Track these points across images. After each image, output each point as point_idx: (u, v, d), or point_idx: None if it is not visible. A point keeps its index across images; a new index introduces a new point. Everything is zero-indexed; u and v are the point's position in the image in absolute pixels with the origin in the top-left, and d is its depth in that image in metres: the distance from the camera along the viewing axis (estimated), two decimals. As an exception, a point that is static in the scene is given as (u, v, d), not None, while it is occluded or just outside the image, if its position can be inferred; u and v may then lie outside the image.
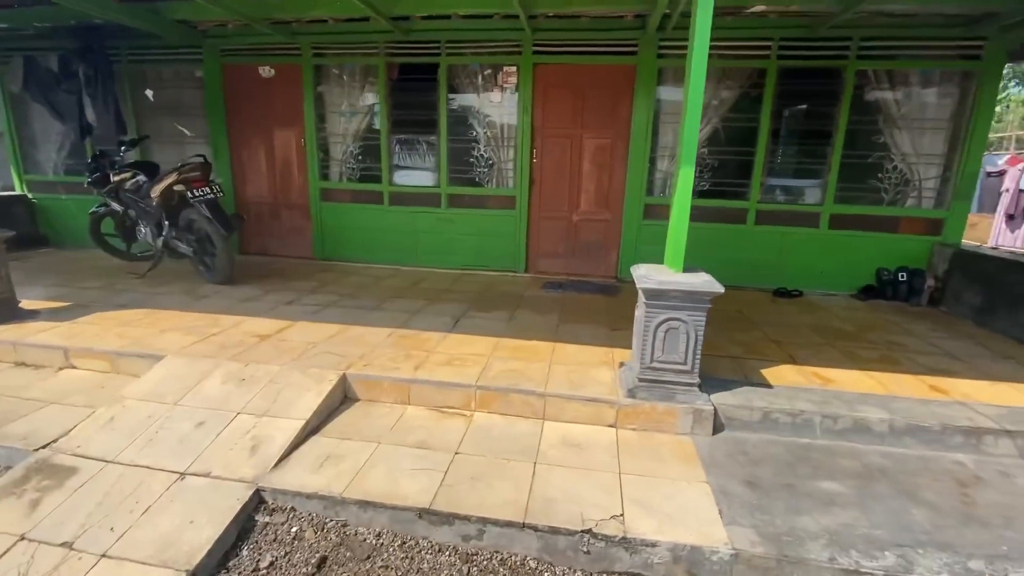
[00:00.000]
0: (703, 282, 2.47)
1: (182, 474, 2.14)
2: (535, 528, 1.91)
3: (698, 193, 5.04)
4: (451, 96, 5.22)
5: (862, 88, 4.62)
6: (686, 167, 2.44)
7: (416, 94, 5.28)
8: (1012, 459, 2.40)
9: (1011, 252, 5.16)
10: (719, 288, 2.45)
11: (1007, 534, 1.90)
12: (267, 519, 2.05)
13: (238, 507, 1.98)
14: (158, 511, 1.95)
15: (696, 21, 2.35)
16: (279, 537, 1.99)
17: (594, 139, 5.11)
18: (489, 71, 5.10)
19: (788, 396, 2.68)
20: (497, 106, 5.16)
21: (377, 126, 5.43)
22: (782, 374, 2.99)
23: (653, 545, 1.84)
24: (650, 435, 2.55)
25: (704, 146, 4.98)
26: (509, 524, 1.92)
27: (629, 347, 3.29)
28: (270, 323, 3.60)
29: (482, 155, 5.31)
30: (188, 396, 2.63)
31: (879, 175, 4.80)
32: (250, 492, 2.06)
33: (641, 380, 2.61)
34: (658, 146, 5.02)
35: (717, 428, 2.57)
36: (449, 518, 1.96)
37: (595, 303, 4.41)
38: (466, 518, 1.95)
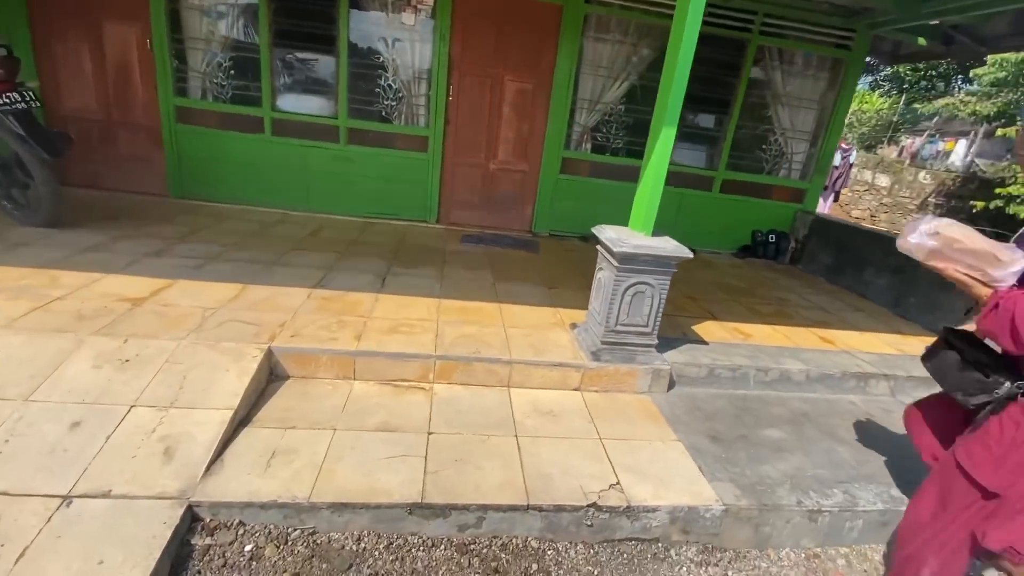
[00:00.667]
0: (674, 247, 2.48)
1: (65, 497, 1.57)
2: (540, 509, 1.80)
3: (612, 150, 5.12)
4: (354, 10, 4.41)
5: (759, 63, 5.01)
6: (668, 128, 2.36)
7: (309, 1, 4.36)
8: (887, 398, 2.95)
9: (856, 221, 6.22)
10: (688, 253, 2.48)
11: (906, 463, 2.32)
12: (208, 541, 1.62)
13: (167, 533, 1.52)
14: (40, 556, 1.41)
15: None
16: (230, 561, 1.59)
17: (515, 82, 4.79)
18: (399, -11, 4.41)
19: (725, 352, 2.90)
20: (410, 30, 4.51)
21: (255, 37, 4.41)
22: (710, 330, 3.23)
23: (654, 511, 1.86)
24: (613, 396, 2.57)
25: (621, 103, 5.01)
26: (513, 508, 1.78)
27: (572, 307, 3.28)
28: (139, 282, 2.80)
29: (390, 86, 4.66)
30: (45, 388, 1.93)
31: (763, 146, 5.35)
32: (180, 510, 1.59)
33: (604, 343, 2.59)
34: (578, 98, 4.90)
35: (670, 385, 2.69)
36: (445, 510, 1.75)
37: (521, 260, 4.28)
38: (465, 508, 1.76)
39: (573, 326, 2.96)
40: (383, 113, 4.73)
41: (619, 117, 5.04)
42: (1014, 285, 1.35)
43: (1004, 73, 8.55)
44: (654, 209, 2.52)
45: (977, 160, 11.13)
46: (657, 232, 2.58)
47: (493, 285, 3.54)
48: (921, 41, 4.93)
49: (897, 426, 2.63)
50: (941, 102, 10.76)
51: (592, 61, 4.82)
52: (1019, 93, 8.71)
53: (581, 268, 4.22)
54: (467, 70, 4.68)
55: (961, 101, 10.00)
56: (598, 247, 2.70)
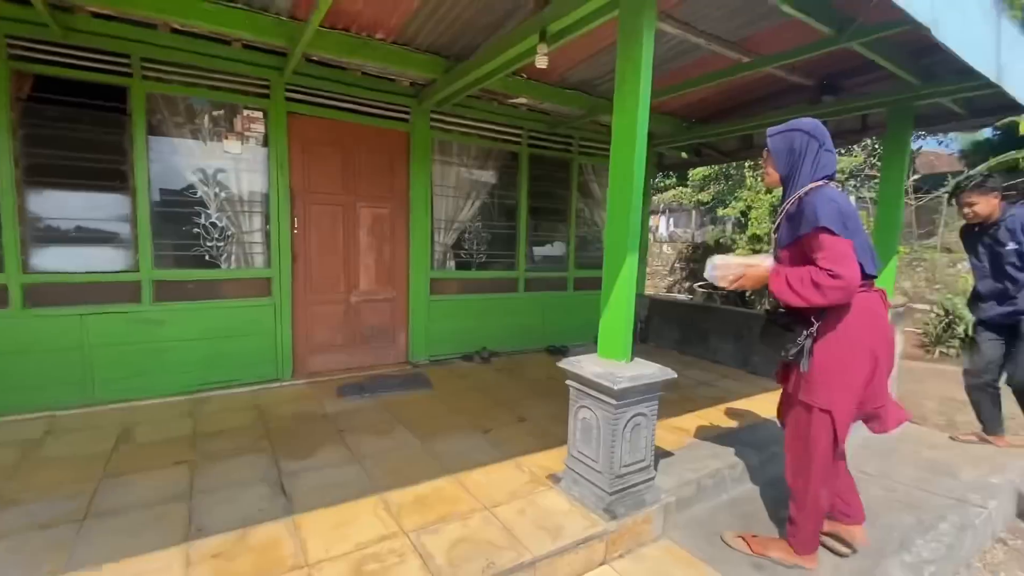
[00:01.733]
0: (659, 369, 2.36)
1: None
2: None
3: (477, 265, 5.03)
4: (154, 137, 3.47)
5: (583, 176, 5.69)
6: (631, 255, 2.30)
7: (80, 126, 3.27)
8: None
9: (690, 299, 7.26)
10: (672, 373, 2.39)
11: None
12: None
13: None
14: None
15: (632, 102, 2.29)
16: None
17: (371, 207, 4.38)
18: (221, 112, 3.68)
19: (694, 458, 2.85)
20: (235, 159, 3.76)
21: (-15, 172, 3.05)
22: (661, 436, 3.18)
23: None
24: (641, 556, 2.21)
25: (478, 220, 5.02)
26: None
27: (529, 451, 2.87)
28: None
29: (213, 224, 3.73)
30: None
31: (598, 244, 5.98)
32: None
33: (613, 492, 2.25)
34: (435, 218, 4.74)
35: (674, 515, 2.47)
36: None
37: (425, 403, 3.66)
38: None
39: (555, 479, 2.54)
40: (206, 257, 3.72)
41: (477, 233, 5.03)
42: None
43: (710, 171, 11.91)
44: (629, 333, 2.39)
45: (675, 230, 14.85)
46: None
47: (424, 450, 2.88)
48: (683, 155, 6.35)
49: (845, 485, 2.88)
50: (670, 193, 14.19)
51: (443, 183, 4.77)
52: (722, 186, 12.14)
53: (494, 396, 3.84)
54: (313, 199, 4.09)
55: (681, 191, 13.46)
56: (573, 384, 2.43)
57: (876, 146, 11.38)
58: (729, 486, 2.78)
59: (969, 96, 3.62)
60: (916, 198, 11.73)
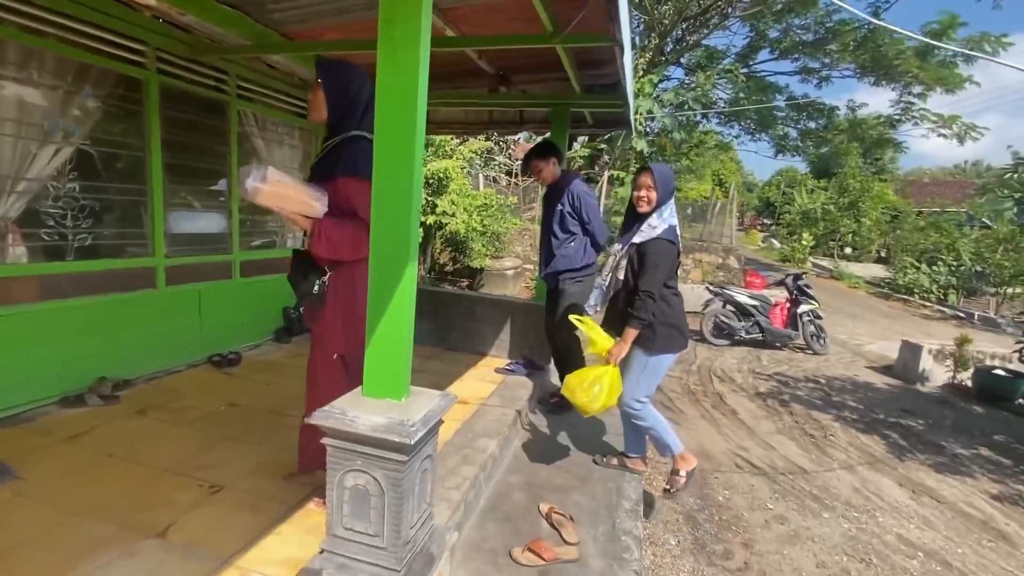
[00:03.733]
0: (440, 397, 1.93)
1: None
2: None
3: (76, 252, 3.22)
4: None
5: (243, 127, 4.34)
6: (411, 260, 1.74)
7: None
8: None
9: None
10: (454, 395, 2.01)
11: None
12: None
13: None
14: None
15: None
16: None
17: None
18: None
19: (449, 471, 2.61)
20: None
21: None
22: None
23: None
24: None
25: (72, 178, 3.12)
26: None
27: (253, 541, 1.98)
28: None
29: None
30: None
31: (270, 217, 4.79)
32: None
33: (403, 566, 1.76)
34: (-30, 171, 2.66)
35: (454, 551, 2.17)
36: None
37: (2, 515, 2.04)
38: None
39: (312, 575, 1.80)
40: None
41: (72, 198, 3.14)
42: None
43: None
44: (409, 361, 1.86)
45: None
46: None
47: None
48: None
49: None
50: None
51: (-12, 109, 2.71)
52: None
53: (149, 458, 2.54)
54: None
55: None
56: (337, 445, 1.74)
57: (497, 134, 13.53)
58: (484, 489, 2.70)
59: (602, 110, 4.54)
60: (520, 180, 14.77)
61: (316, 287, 1.98)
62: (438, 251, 12.34)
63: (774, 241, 28.35)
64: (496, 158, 14.07)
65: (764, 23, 15.69)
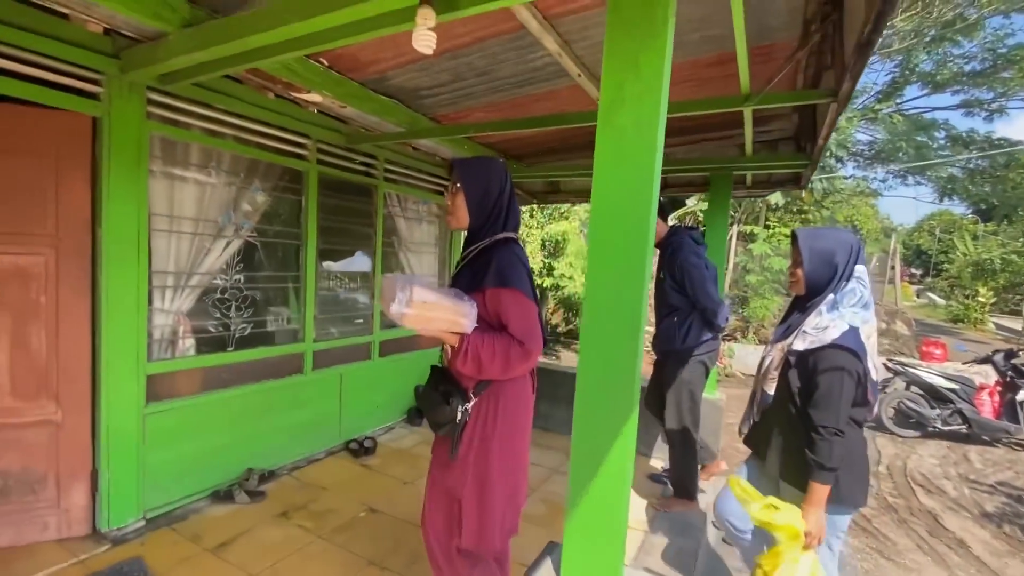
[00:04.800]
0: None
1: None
2: None
3: (236, 342, 3.23)
4: None
5: (387, 208, 4.39)
6: (634, 408, 1.30)
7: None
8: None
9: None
10: None
11: None
12: None
13: None
14: None
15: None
16: None
17: (7, 254, 2.21)
18: None
19: None
20: None
21: None
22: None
23: None
24: None
25: (238, 270, 3.21)
26: None
27: None
28: None
29: None
30: None
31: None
32: None
33: None
34: (153, 271, 2.77)
35: None
36: None
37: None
38: None
39: None
40: None
41: (237, 292, 3.22)
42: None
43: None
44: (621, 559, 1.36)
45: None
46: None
47: None
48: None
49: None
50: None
51: (174, 211, 2.85)
52: None
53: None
54: None
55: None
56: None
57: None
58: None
59: (772, 171, 3.93)
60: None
61: (460, 414, 1.66)
62: (551, 312, 12.01)
63: (934, 296, 24.22)
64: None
65: (913, 56, 14.01)
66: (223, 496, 3.01)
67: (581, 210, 11.61)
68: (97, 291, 2.50)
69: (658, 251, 3.17)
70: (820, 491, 1.72)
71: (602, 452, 1.27)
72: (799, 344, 1.82)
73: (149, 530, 2.66)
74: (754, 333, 10.65)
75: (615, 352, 1.24)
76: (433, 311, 1.53)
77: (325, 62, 2.83)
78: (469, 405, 1.67)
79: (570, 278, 9.79)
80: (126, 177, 2.53)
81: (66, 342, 2.46)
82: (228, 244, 3.13)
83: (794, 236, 1.93)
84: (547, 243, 10.62)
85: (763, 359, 2.06)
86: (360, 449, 3.83)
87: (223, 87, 2.89)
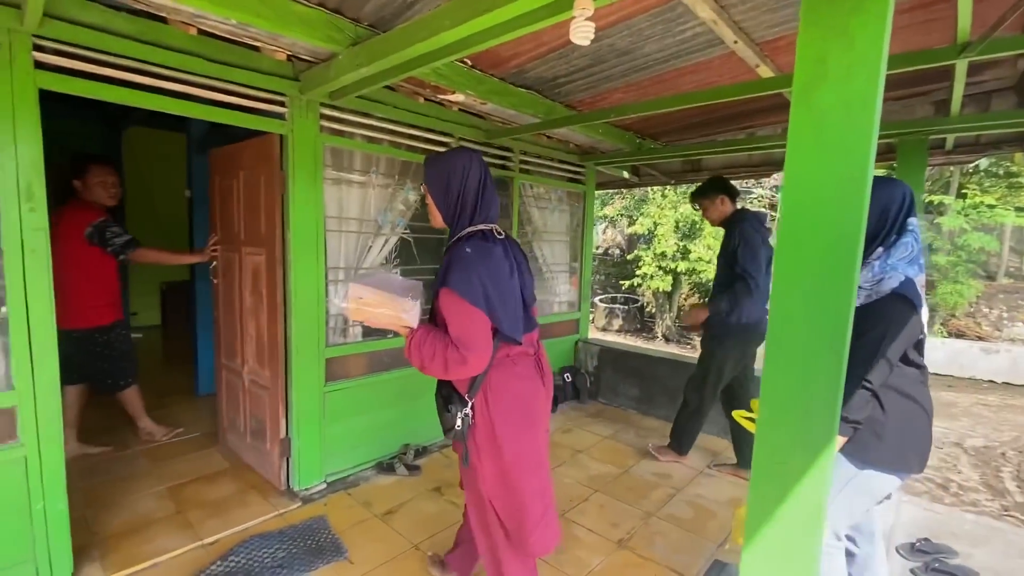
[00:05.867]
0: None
1: None
2: None
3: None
4: None
5: (522, 199, 4.47)
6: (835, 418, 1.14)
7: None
8: None
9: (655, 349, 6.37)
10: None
11: None
12: None
13: None
14: None
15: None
16: None
17: (251, 254, 2.74)
18: None
19: None
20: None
21: None
22: None
23: None
24: None
25: (395, 264, 3.52)
26: None
27: None
28: None
29: None
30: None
31: (555, 281, 4.83)
32: None
33: None
34: (328, 268, 3.15)
35: None
36: None
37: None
38: None
39: None
40: None
41: (394, 283, 3.53)
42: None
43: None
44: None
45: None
46: None
47: None
48: (625, 174, 5.48)
49: None
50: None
51: (341, 213, 3.20)
52: (626, 200, 11.80)
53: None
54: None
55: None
56: None
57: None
58: None
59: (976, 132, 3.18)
60: (789, 214, 12.59)
61: (460, 421, 1.67)
62: (684, 298, 11.33)
63: None
64: (753, 191, 12.40)
65: None
66: (385, 467, 3.35)
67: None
68: (288, 285, 2.91)
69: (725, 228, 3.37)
70: (836, 442, 1.60)
71: (789, 485, 1.13)
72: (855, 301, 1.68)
73: (329, 492, 3.07)
74: (942, 324, 8.94)
75: (811, 370, 1.09)
76: (372, 307, 1.58)
77: (468, 62, 2.91)
78: (467, 409, 1.66)
79: (708, 262, 9.10)
80: (306, 186, 2.89)
81: (271, 327, 2.93)
82: (386, 241, 3.43)
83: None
84: (681, 224, 9.98)
85: None
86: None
87: (380, 96, 3.13)
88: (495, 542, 1.77)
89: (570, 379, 4.91)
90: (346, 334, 3.29)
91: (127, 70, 2.23)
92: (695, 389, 3.40)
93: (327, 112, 2.97)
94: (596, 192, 5.76)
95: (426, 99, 3.34)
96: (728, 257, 3.22)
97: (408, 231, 3.55)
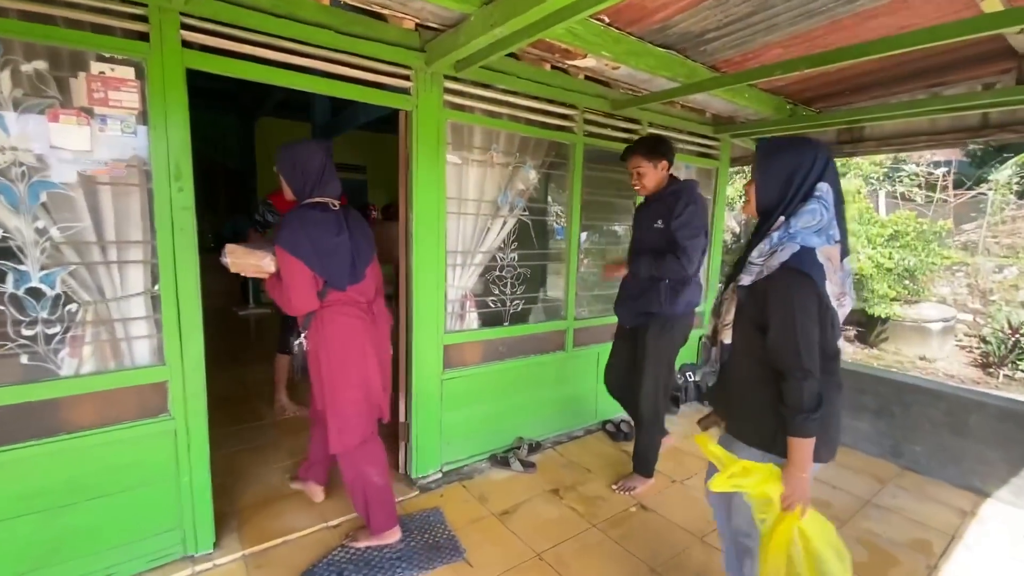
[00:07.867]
0: None
1: None
2: None
3: (510, 317, 3.34)
4: None
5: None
6: None
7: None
8: None
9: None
10: None
11: None
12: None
13: None
14: None
15: None
16: None
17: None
18: (36, 68, 1.82)
19: None
20: (75, 160, 1.92)
21: None
22: None
23: None
24: None
25: (513, 248, 3.32)
26: None
27: None
28: None
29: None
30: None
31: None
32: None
33: None
34: (447, 251, 3.00)
35: None
36: None
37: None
38: None
39: None
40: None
41: (513, 269, 3.33)
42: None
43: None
44: None
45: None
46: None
47: None
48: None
49: None
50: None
51: (461, 194, 3.04)
52: None
53: (603, 556, 2.19)
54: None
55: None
56: None
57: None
58: None
59: None
60: (952, 194, 10.72)
61: (296, 347, 2.21)
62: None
63: None
64: (904, 168, 10.64)
65: None
66: (500, 461, 3.20)
67: (865, 163, 9.26)
68: (409, 270, 2.81)
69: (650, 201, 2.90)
70: (800, 446, 1.46)
71: None
72: (745, 278, 1.57)
73: (445, 483, 2.97)
74: None
75: None
76: (241, 258, 2.02)
77: (606, 19, 2.57)
78: (302, 337, 2.16)
79: (855, 250, 7.94)
80: (429, 165, 2.75)
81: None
82: (504, 223, 3.22)
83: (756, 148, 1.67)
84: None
85: (717, 304, 1.72)
86: (617, 432, 3.69)
87: (502, 66, 2.89)
88: (343, 436, 2.18)
89: (692, 378, 4.44)
90: (462, 321, 3.15)
91: (262, 46, 2.19)
92: (652, 398, 2.86)
93: (450, 85, 2.79)
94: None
95: (553, 66, 3.04)
96: (662, 233, 2.72)
97: (527, 213, 3.32)
